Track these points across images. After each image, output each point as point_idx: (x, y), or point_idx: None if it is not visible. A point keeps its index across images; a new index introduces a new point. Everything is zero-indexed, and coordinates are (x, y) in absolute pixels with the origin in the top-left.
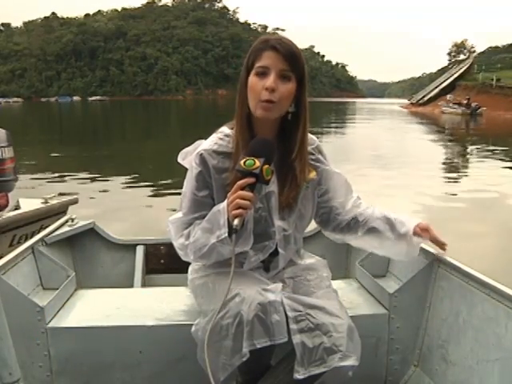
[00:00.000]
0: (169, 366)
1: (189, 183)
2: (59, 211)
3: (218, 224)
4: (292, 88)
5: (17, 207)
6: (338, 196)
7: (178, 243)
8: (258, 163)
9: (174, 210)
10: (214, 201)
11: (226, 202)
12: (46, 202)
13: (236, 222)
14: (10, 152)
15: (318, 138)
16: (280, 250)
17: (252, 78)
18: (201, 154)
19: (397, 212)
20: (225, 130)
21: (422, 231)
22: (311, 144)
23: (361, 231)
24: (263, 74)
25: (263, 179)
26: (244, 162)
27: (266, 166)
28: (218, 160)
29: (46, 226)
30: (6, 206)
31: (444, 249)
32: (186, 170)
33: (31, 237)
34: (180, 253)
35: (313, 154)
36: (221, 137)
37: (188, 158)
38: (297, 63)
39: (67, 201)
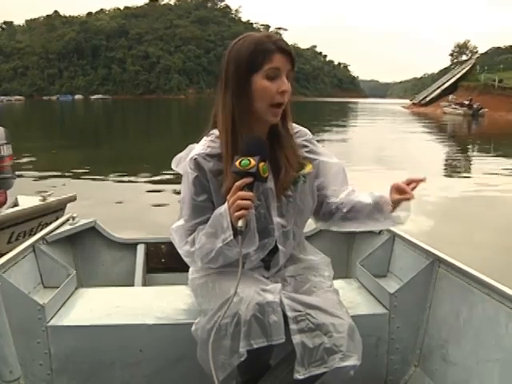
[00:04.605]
0: (169, 365)
1: (186, 189)
2: (57, 208)
3: (222, 227)
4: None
5: (15, 204)
6: (332, 184)
7: (183, 251)
8: (253, 162)
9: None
10: (213, 204)
11: (226, 204)
12: (45, 200)
13: (240, 223)
14: (8, 150)
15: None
16: (280, 246)
17: (262, 82)
18: (195, 159)
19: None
20: (216, 132)
21: (397, 188)
22: (303, 136)
23: (346, 208)
24: (274, 75)
25: (261, 177)
26: (239, 163)
27: (262, 164)
28: (213, 163)
29: (45, 223)
30: (5, 203)
31: (423, 180)
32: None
33: (29, 234)
34: (187, 260)
35: (307, 147)
36: (212, 139)
37: (182, 163)
38: (294, 62)
39: (65, 198)
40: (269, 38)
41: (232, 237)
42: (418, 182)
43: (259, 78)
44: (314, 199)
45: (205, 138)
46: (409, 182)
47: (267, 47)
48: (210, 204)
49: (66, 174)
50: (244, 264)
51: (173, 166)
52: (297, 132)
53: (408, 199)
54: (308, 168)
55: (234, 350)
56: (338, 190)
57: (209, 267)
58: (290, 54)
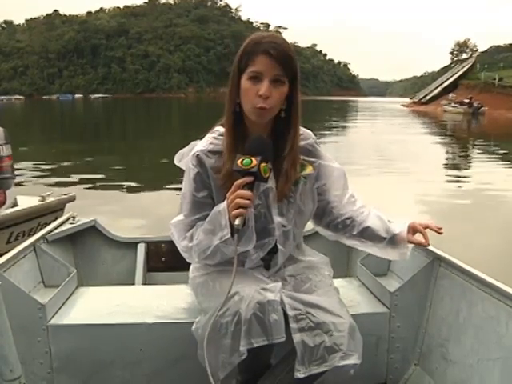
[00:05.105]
0: (169, 364)
1: (187, 185)
2: (56, 209)
3: (220, 225)
4: (285, 91)
5: (14, 204)
6: (334, 189)
7: (181, 246)
8: (255, 162)
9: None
10: (213, 200)
11: (225, 202)
12: (44, 200)
13: (237, 221)
14: (7, 150)
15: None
16: (279, 246)
17: (245, 83)
18: (197, 155)
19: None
20: (219, 129)
21: (414, 229)
22: (307, 139)
23: (356, 230)
24: (256, 78)
25: (261, 177)
26: (241, 162)
27: (264, 164)
28: (214, 159)
29: (44, 223)
30: (4, 203)
31: (440, 232)
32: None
33: (29, 234)
34: (185, 255)
35: (309, 150)
36: (216, 136)
37: (184, 159)
38: (290, 66)
39: (65, 198)
40: (260, 40)
41: (229, 235)
42: (434, 230)
43: (244, 80)
44: (314, 202)
45: (208, 134)
46: (425, 227)
47: (252, 49)
48: (210, 200)
49: (66, 174)
50: (244, 263)
51: (175, 162)
52: (300, 134)
53: (424, 246)
54: (309, 169)
55: (235, 348)
56: (341, 195)
57: (209, 265)
58: (276, 58)
